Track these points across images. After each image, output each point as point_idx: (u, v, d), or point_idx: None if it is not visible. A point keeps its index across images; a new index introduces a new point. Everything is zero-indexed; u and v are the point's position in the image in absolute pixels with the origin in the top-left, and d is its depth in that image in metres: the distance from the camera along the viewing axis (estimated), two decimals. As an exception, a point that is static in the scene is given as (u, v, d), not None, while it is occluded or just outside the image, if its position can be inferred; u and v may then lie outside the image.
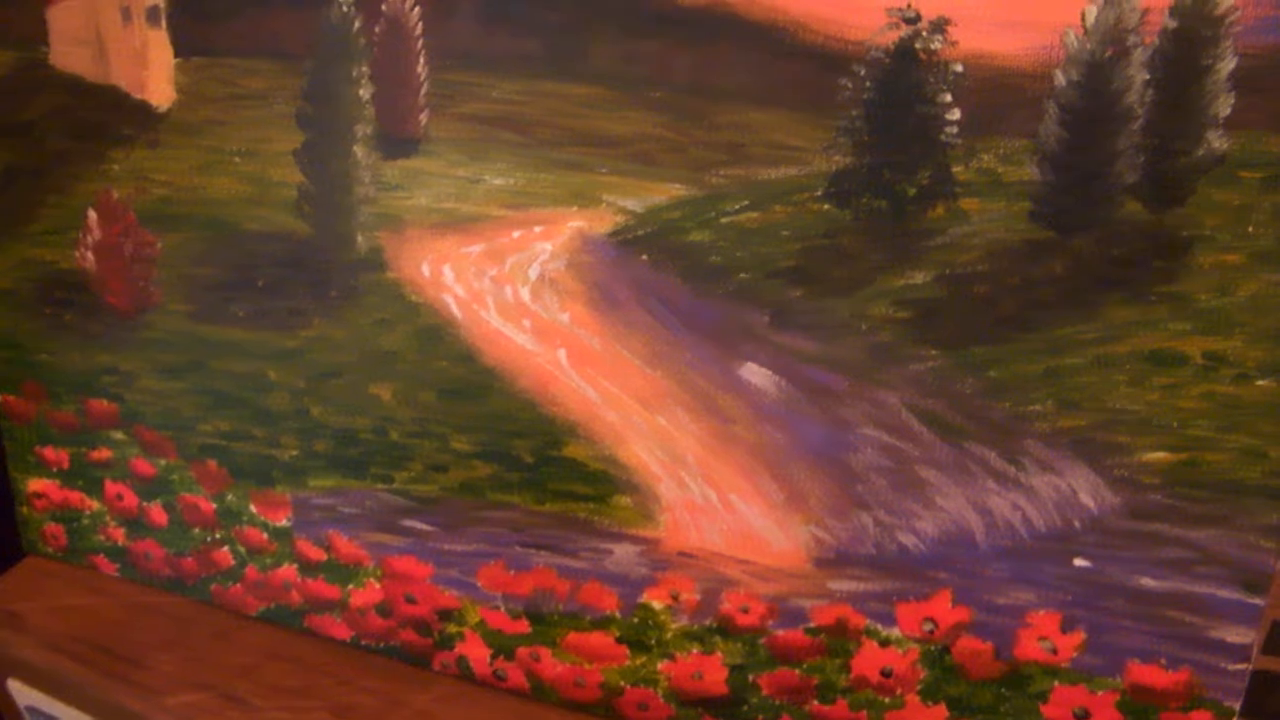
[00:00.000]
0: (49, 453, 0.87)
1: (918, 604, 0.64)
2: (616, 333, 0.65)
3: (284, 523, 0.80)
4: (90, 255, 0.78)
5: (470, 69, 0.62)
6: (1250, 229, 0.51)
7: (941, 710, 0.66)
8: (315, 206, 0.69)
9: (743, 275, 0.61)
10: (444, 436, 0.71)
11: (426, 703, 0.77)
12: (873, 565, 0.64)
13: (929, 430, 0.60)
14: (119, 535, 0.88)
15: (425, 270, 0.68)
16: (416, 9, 0.62)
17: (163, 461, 0.83)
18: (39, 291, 0.81)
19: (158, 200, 0.74)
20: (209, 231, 0.73)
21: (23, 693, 0.83)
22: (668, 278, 0.63)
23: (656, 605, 0.70)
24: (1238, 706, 0.59)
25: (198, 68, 0.69)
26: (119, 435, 0.84)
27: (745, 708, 0.71)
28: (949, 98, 0.53)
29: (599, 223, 0.63)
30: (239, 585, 0.85)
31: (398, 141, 0.65)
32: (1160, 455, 0.56)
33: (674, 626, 0.70)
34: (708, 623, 0.69)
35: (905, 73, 0.54)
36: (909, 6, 0.52)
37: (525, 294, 0.66)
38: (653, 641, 0.71)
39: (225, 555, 0.84)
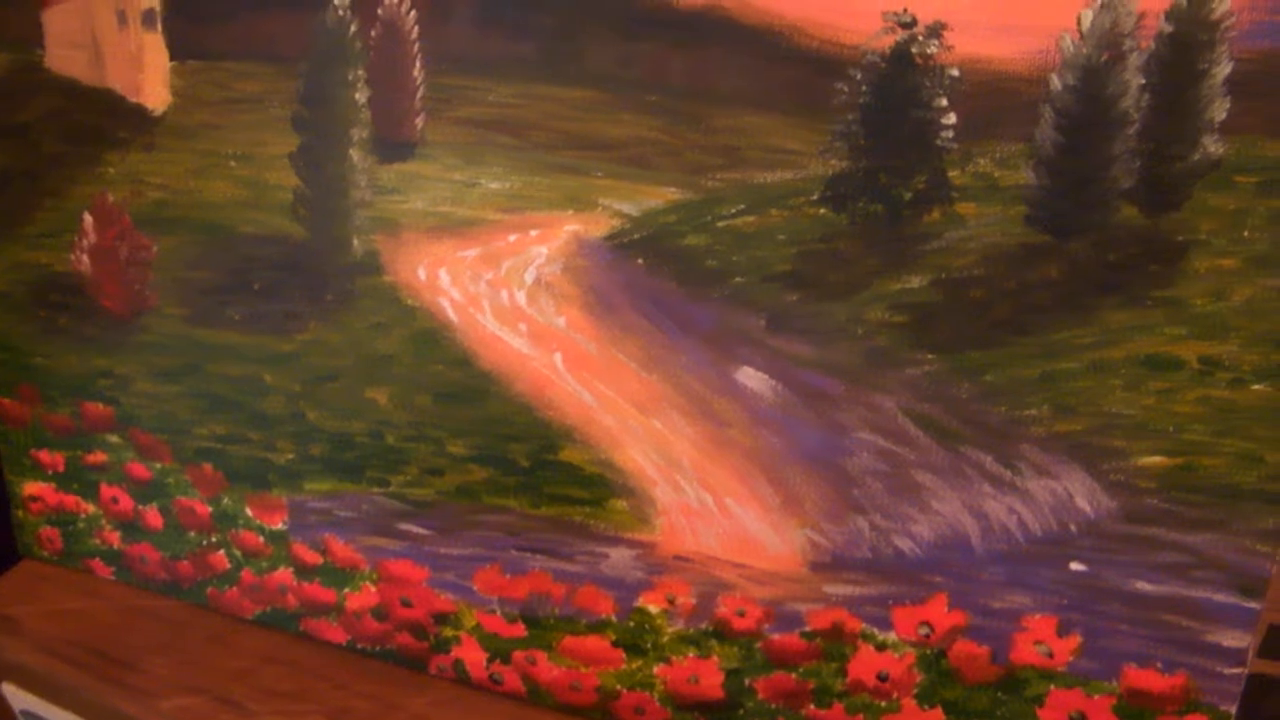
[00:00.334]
0: (44, 456, 0.87)
1: (914, 608, 0.64)
2: (612, 336, 0.65)
3: (280, 526, 0.80)
4: (86, 258, 0.77)
5: (466, 73, 0.62)
6: (1246, 234, 0.51)
7: (938, 714, 0.66)
8: (311, 210, 0.69)
9: (738, 279, 0.61)
10: (440, 440, 0.71)
11: (422, 706, 0.77)
12: (869, 569, 0.64)
13: (925, 434, 0.60)
14: (114, 539, 0.88)
15: (421, 274, 0.68)
16: (412, 13, 0.62)
17: (158, 465, 0.83)
18: (34, 294, 0.81)
19: (153, 203, 0.74)
20: (204, 235, 0.73)
21: (17, 696, 0.83)
22: (663, 282, 0.63)
23: (652, 609, 0.70)
24: (1234, 710, 0.59)
25: (193, 71, 0.69)
26: (114, 438, 0.84)
27: (741, 712, 0.71)
28: (945, 102, 0.53)
29: (595, 226, 0.63)
30: (234, 589, 0.85)
31: (393, 145, 0.65)
32: (1156, 459, 0.56)
33: (670, 630, 0.70)
34: (704, 626, 0.69)
35: (901, 77, 0.54)
36: (905, 11, 0.52)
37: (521, 298, 0.66)
38: (649, 645, 0.71)
39: (221, 559, 0.84)
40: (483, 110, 0.62)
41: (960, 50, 0.52)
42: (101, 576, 0.91)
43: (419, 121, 0.64)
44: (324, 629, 0.82)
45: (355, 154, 0.66)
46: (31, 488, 0.89)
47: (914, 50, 0.53)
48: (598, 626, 0.72)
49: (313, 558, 0.80)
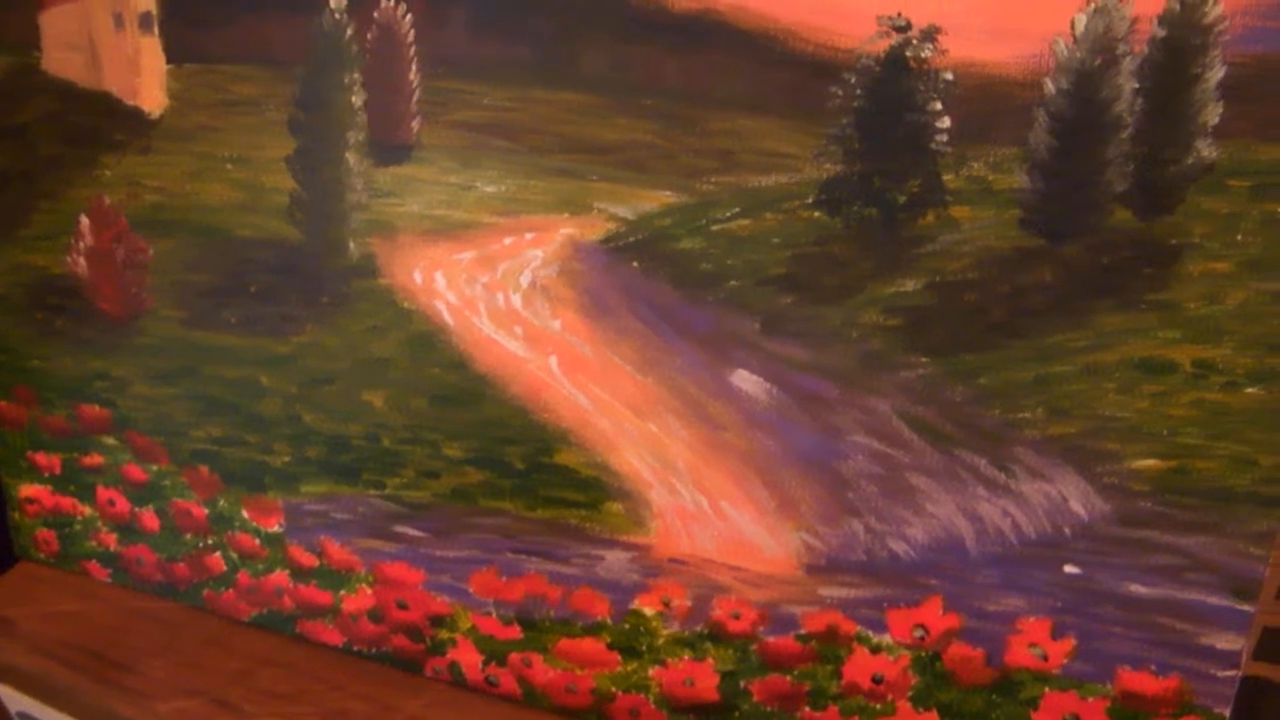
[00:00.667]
0: (41, 458, 0.87)
1: (908, 610, 0.64)
2: (608, 340, 0.65)
3: (276, 528, 0.80)
4: (82, 261, 0.78)
5: (462, 76, 0.62)
6: (1239, 237, 0.51)
7: (933, 716, 0.66)
8: (307, 213, 0.69)
9: (733, 282, 0.61)
10: (436, 443, 0.71)
11: (418, 708, 0.77)
12: (864, 572, 0.64)
13: (919, 437, 0.60)
14: (111, 541, 0.88)
15: (417, 277, 0.68)
16: (408, 16, 0.62)
17: (155, 467, 0.83)
18: (31, 297, 0.81)
19: (150, 206, 0.74)
20: (201, 238, 0.73)
21: (14, 699, 0.83)
22: (659, 285, 0.63)
23: (648, 611, 0.70)
24: (1228, 713, 0.59)
25: (190, 74, 0.69)
26: (111, 441, 0.84)
27: (736, 714, 0.71)
28: (939, 105, 0.54)
29: (590, 229, 0.63)
30: (231, 591, 0.85)
31: (390, 148, 0.65)
32: (1150, 462, 0.56)
33: (665, 633, 0.70)
34: (699, 629, 0.70)
35: (896, 81, 0.54)
36: (899, 14, 0.52)
37: (517, 301, 0.67)
38: (644, 648, 0.71)
39: (217, 561, 0.84)
40: (478, 114, 0.62)
41: (954, 54, 0.52)
42: (98, 579, 0.91)
43: (415, 125, 0.64)
44: (320, 631, 0.82)
45: (351, 157, 0.66)
46: (28, 490, 0.89)
47: (908, 54, 0.53)
48: (593, 629, 0.72)
49: (309, 560, 0.80)
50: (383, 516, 0.76)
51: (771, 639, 0.68)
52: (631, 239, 0.62)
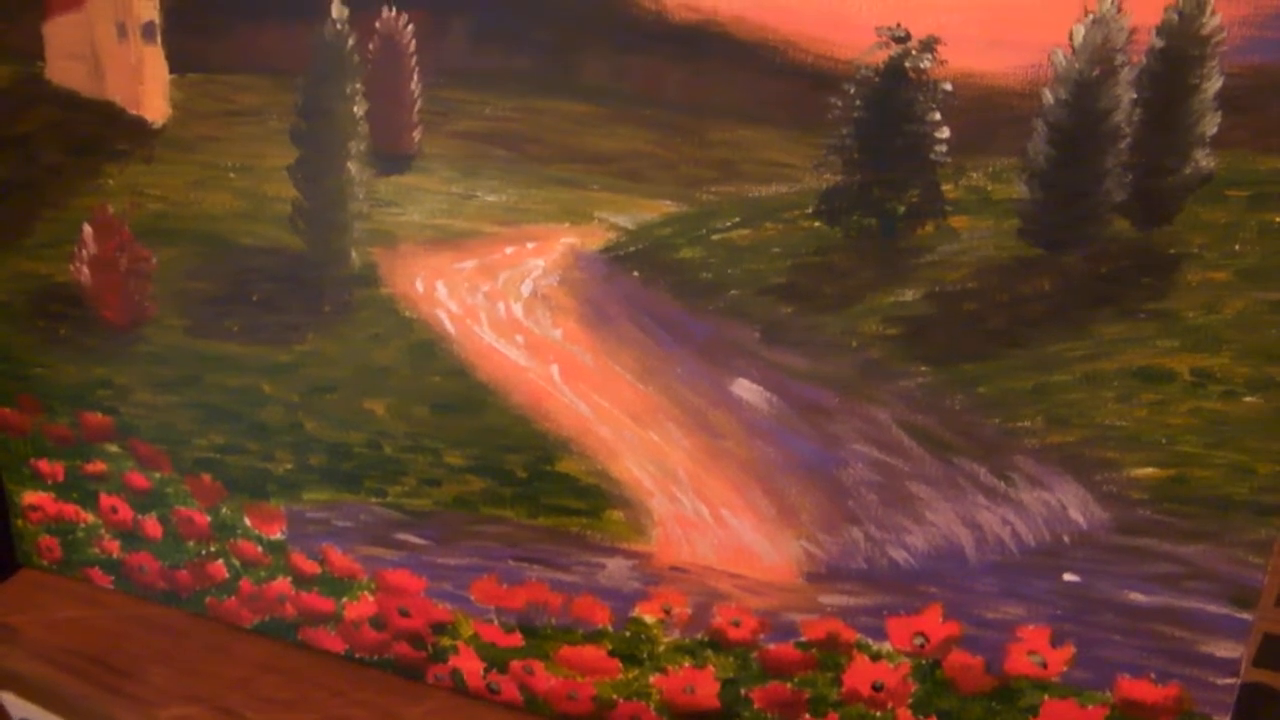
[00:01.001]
0: (44, 465, 0.88)
1: (908, 618, 0.64)
2: (608, 348, 0.65)
3: (278, 536, 0.80)
4: (85, 269, 0.78)
5: (463, 86, 0.62)
6: (1237, 247, 0.52)
7: (933, 724, 0.66)
8: (309, 222, 0.69)
9: (734, 292, 0.61)
10: (437, 451, 0.72)
11: (420, 715, 0.77)
12: (863, 580, 0.64)
13: (919, 446, 0.60)
14: (114, 548, 0.88)
15: (419, 286, 0.68)
16: (410, 26, 0.62)
17: (157, 475, 0.83)
18: (34, 305, 0.81)
19: (153, 215, 0.74)
20: (204, 246, 0.73)
21: (16, 705, 0.83)
22: (659, 294, 0.63)
23: (649, 619, 0.70)
24: (1227, 721, 0.59)
25: (193, 84, 0.69)
26: (114, 448, 0.84)
27: (737, 721, 0.71)
28: (938, 116, 0.54)
29: (591, 239, 0.63)
30: (233, 598, 0.85)
31: (391, 158, 0.66)
32: (1149, 471, 0.56)
33: (666, 640, 0.71)
34: (699, 636, 0.70)
35: (895, 91, 0.54)
36: (898, 26, 0.53)
37: (518, 310, 0.67)
38: (645, 655, 0.71)
39: (220, 568, 0.84)
40: (480, 124, 0.62)
41: (953, 65, 0.52)
42: (100, 585, 0.91)
43: (416, 134, 0.64)
44: (322, 638, 0.83)
45: (353, 167, 0.67)
46: (31, 497, 0.90)
47: (907, 65, 0.53)
48: (594, 636, 0.72)
49: (311, 567, 0.80)
50: (384, 524, 0.76)
51: (772, 646, 0.68)
52: (632, 248, 0.62)
